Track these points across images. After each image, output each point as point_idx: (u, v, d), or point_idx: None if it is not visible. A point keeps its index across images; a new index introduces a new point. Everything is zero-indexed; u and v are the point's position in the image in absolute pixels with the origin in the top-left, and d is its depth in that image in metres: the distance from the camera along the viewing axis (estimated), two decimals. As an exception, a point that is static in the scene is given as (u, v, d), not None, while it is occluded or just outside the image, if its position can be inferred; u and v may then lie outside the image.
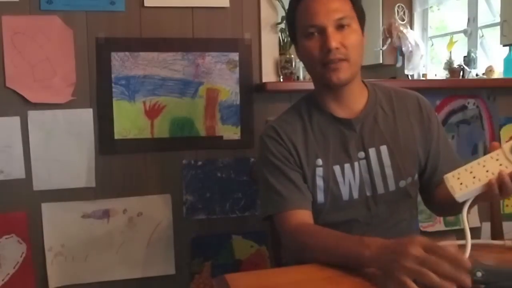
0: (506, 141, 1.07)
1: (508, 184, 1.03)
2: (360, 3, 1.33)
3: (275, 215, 1.31)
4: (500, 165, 1.04)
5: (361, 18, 1.32)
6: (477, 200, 1.07)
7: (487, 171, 1.04)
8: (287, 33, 2.03)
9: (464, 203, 1.05)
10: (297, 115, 1.37)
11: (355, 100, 1.35)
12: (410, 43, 4.30)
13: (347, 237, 1.10)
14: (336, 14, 1.25)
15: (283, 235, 1.30)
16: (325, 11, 1.25)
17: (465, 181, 1.04)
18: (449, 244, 1.05)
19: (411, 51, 4.33)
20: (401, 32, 4.32)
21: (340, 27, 1.26)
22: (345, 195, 1.32)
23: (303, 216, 1.28)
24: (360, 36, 1.30)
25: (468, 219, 1.04)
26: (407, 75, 4.28)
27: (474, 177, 1.04)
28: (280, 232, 1.32)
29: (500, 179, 1.03)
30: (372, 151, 1.32)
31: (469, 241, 1.01)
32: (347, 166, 1.32)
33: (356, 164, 1.32)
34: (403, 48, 4.33)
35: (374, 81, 1.47)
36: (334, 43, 1.24)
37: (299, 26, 1.31)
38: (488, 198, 1.08)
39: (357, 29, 1.29)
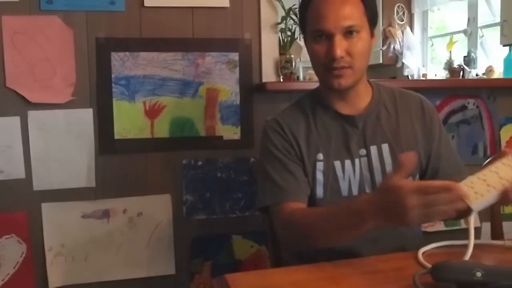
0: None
1: None
2: (373, 5, 1.32)
3: (272, 206, 1.31)
4: None
5: (372, 21, 1.31)
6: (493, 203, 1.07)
7: (501, 178, 1.03)
8: (292, 27, 2.05)
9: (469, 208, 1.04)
10: (301, 110, 1.39)
11: (359, 99, 1.36)
12: (403, 45, 4.32)
13: (337, 211, 1.10)
14: (345, 22, 1.25)
15: (277, 224, 1.31)
16: (335, 17, 1.24)
17: (479, 190, 1.02)
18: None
19: (401, 53, 4.35)
20: (394, 34, 4.34)
21: (348, 33, 1.25)
22: (344, 190, 1.32)
23: (298, 206, 1.28)
24: (367, 43, 1.30)
25: (470, 220, 1.04)
26: (407, 75, 4.28)
27: (488, 185, 1.02)
28: (275, 222, 1.33)
29: None
30: (373, 149, 1.33)
31: (471, 245, 1.01)
32: (347, 162, 1.32)
33: (356, 160, 1.33)
34: (398, 50, 4.35)
35: (378, 81, 1.48)
36: (339, 51, 1.24)
37: (309, 26, 1.31)
38: (501, 204, 1.08)
39: (365, 36, 1.29)
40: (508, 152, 1.07)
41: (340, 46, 1.24)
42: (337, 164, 1.32)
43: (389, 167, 1.33)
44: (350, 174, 1.32)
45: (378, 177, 1.33)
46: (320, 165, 1.32)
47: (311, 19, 1.30)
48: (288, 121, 1.36)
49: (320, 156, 1.32)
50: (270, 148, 1.35)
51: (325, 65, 1.28)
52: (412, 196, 0.93)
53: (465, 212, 1.03)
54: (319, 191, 1.32)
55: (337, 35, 1.24)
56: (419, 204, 0.93)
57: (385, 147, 1.34)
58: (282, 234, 1.31)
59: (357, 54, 1.26)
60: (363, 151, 1.33)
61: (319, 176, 1.32)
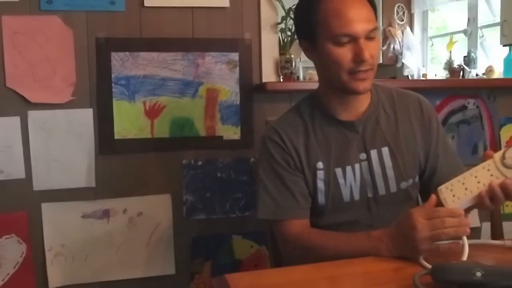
0: (505, 147, 1.08)
1: (498, 195, 1.05)
2: (375, 7, 1.31)
3: (272, 220, 1.34)
4: (491, 175, 1.06)
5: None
6: (470, 209, 1.10)
7: (478, 182, 1.06)
8: (292, 27, 2.04)
9: None
10: (299, 117, 1.36)
11: (359, 103, 1.34)
12: (403, 45, 4.32)
13: (355, 235, 1.17)
14: (369, 25, 1.24)
15: (283, 242, 1.33)
16: (360, 20, 1.23)
17: (457, 193, 1.06)
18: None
19: (401, 53, 4.35)
20: (394, 34, 4.34)
21: (368, 37, 1.24)
22: (346, 196, 1.32)
23: (301, 224, 1.30)
24: (380, 45, 1.31)
25: (468, 219, 1.05)
26: (407, 75, 4.29)
27: (466, 189, 1.06)
28: (278, 239, 1.36)
29: (490, 191, 1.05)
30: (373, 153, 1.32)
31: (467, 247, 1.02)
32: (348, 168, 1.32)
33: (357, 165, 1.32)
34: (398, 50, 4.36)
35: (375, 81, 1.47)
36: (367, 54, 1.23)
37: (327, 29, 1.25)
38: (480, 208, 1.11)
39: (378, 38, 1.30)
40: (490, 155, 1.07)
41: (368, 49, 1.23)
42: (338, 171, 1.31)
43: (389, 170, 1.32)
44: (351, 180, 1.32)
45: (379, 181, 1.32)
46: (320, 174, 1.31)
47: (330, 23, 1.24)
48: (287, 129, 1.34)
49: (320, 164, 1.31)
50: (269, 161, 1.34)
51: (350, 69, 1.24)
52: (422, 218, 1.05)
53: None
54: (321, 199, 1.32)
55: (362, 38, 1.23)
56: (428, 226, 1.04)
57: (385, 150, 1.33)
58: (286, 251, 1.34)
59: (376, 55, 1.27)
60: (363, 155, 1.32)
61: (320, 184, 1.31)
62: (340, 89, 1.30)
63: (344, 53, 1.24)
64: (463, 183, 1.06)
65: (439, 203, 1.07)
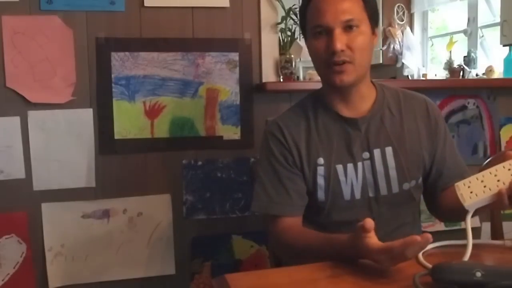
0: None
1: None
2: (373, 3, 1.31)
3: (263, 215, 1.36)
4: None
5: (373, 18, 1.30)
6: (485, 208, 1.08)
7: (498, 180, 1.04)
8: (292, 27, 2.05)
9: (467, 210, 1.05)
10: (302, 113, 1.37)
11: (362, 100, 1.34)
12: (403, 45, 4.32)
13: (323, 242, 1.15)
14: (344, 16, 1.24)
15: (270, 236, 1.36)
16: (333, 11, 1.24)
17: (475, 190, 1.04)
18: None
19: (401, 53, 4.35)
20: (394, 34, 4.34)
21: (348, 28, 1.24)
22: (346, 194, 1.31)
23: (291, 221, 1.30)
24: (368, 38, 1.28)
25: (467, 221, 1.05)
26: (407, 75, 4.28)
27: (484, 186, 1.04)
28: (268, 233, 1.37)
29: (511, 189, 1.03)
30: (376, 152, 1.31)
31: (470, 247, 1.02)
32: (350, 166, 1.31)
33: (359, 164, 1.31)
34: (398, 49, 4.36)
35: (382, 81, 1.47)
36: (339, 45, 1.22)
37: (308, 23, 1.30)
38: (497, 208, 1.09)
39: (365, 30, 1.27)
40: (510, 155, 1.06)
41: (340, 40, 1.23)
42: (339, 168, 1.31)
43: (392, 171, 1.31)
44: (352, 178, 1.31)
45: (381, 181, 1.31)
46: (320, 170, 1.31)
47: (310, 16, 1.29)
48: (289, 124, 1.35)
49: (321, 160, 1.31)
50: (268, 156, 1.34)
51: (325, 60, 1.26)
52: (379, 255, 0.98)
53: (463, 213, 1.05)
54: (321, 195, 1.32)
55: (337, 29, 1.23)
56: (387, 259, 0.98)
57: (388, 150, 1.32)
58: (273, 246, 1.39)
59: (357, 48, 1.25)
60: (366, 154, 1.31)
61: (320, 180, 1.31)
62: (326, 83, 1.33)
63: (319, 45, 1.26)
64: (482, 181, 1.05)
65: (456, 200, 1.06)
